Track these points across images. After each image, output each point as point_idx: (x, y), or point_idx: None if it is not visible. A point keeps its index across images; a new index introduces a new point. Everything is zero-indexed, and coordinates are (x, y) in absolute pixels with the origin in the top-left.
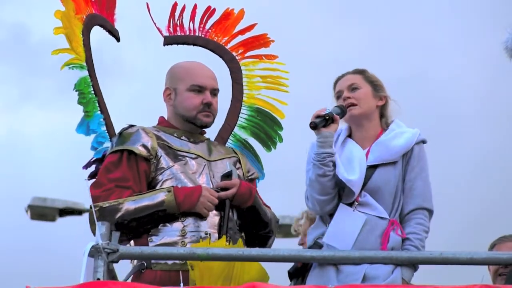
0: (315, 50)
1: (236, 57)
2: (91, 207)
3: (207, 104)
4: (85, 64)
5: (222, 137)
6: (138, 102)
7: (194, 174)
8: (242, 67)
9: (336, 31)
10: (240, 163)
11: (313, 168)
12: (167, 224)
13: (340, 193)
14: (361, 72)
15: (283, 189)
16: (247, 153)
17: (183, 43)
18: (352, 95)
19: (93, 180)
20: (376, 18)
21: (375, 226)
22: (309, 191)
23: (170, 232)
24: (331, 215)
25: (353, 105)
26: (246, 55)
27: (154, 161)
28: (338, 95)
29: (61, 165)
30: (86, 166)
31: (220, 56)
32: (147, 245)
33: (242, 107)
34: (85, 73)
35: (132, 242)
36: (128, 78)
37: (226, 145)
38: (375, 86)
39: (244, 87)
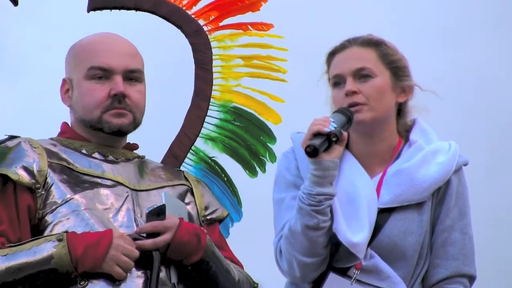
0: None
1: (205, 28)
2: None
3: (118, 96)
4: None
5: (175, 154)
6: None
7: (107, 212)
8: (214, 44)
9: None
10: (192, 195)
11: (299, 214)
12: None
13: (331, 250)
14: (376, 45)
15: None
16: (215, 181)
17: (117, 8)
18: (361, 88)
19: None
20: None
21: None
22: (287, 248)
23: None
24: (315, 282)
25: (359, 104)
26: (221, 24)
27: (43, 192)
28: (337, 81)
29: None
30: None
31: (178, 27)
32: None
33: (210, 107)
34: None
35: None
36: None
37: (181, 168)
38: (396, 69)
39: (216, 76)
